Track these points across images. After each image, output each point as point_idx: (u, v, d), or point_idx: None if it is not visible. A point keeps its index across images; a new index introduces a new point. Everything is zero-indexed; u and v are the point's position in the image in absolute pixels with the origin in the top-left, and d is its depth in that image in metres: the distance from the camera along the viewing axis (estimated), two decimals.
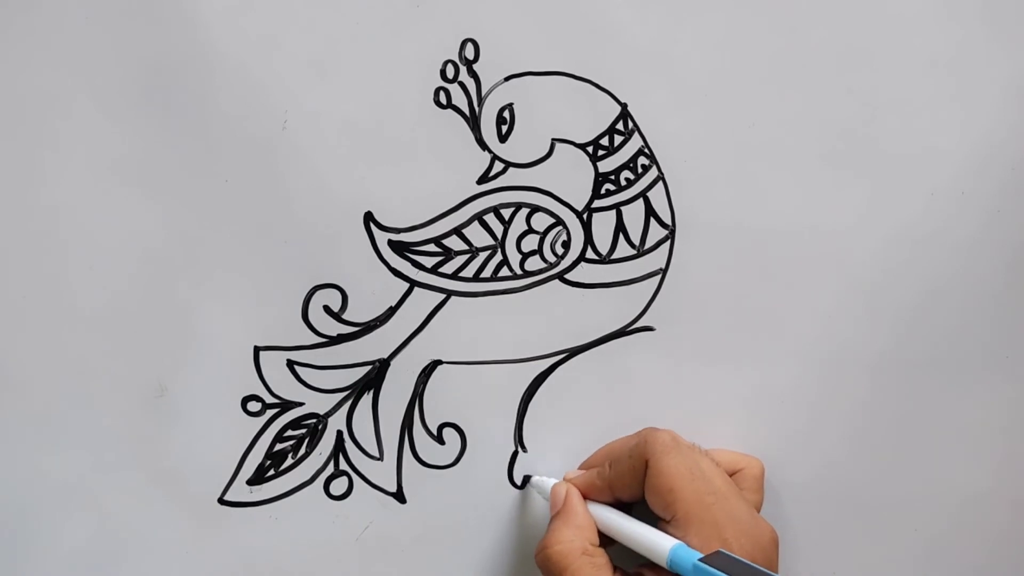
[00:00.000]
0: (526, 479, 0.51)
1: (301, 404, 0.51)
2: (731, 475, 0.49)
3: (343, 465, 0.51)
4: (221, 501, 0.51)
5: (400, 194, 0.50)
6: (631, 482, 0.47)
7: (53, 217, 0.49)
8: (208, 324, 0.50)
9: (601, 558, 0.46)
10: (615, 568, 0.46)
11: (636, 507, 0.48)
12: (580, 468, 0.51)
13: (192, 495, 0.50)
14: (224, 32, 0.49)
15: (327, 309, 0.51)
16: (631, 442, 0.48)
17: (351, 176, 0.50)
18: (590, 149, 0.51)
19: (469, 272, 0.51)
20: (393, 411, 0.51)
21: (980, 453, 0.52)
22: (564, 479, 0.50)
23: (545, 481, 0.50)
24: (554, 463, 0.52)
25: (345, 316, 0.51)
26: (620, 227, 0.51)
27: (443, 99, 0.50)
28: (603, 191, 0.51)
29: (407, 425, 0.51)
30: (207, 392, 0.50)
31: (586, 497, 0.49)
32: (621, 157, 0.51)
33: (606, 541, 0.48)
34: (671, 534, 0.45)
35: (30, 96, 0.49)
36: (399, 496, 0.51)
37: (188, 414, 0.50)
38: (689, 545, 0.44)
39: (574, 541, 0.46)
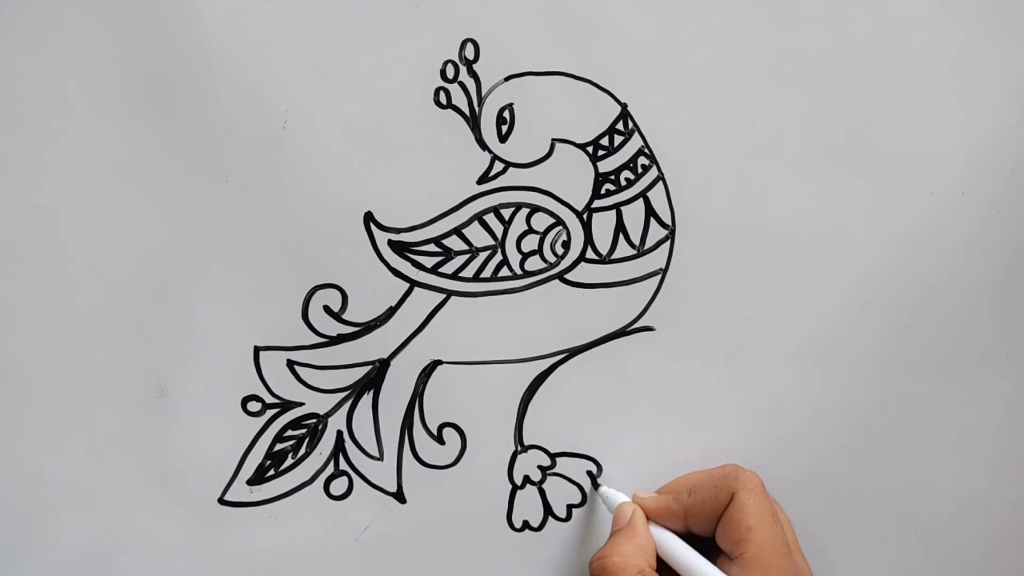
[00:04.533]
0: (596, 485, 0.51)
1: (301, 404, 0.51)
2: None
3: (343, 465, 0.51)
4: (221, 501, 0.51)
5: (400, 194, 0.50)
6: (709, 513, 0.47)
7: (53, 217, 0.49)
8: (208, 324, 0.50)
9: None
10: None
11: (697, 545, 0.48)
12: (658, 492, 0.51)
13: (192, 495, 0.51)
14: (224, 32, 0.49)
15: (327, 309, 0.51)
16: (716, 473, 0.48)
17: (351, 176, 0.50)
18: (590, 149, 0.51)
19: (469, 272, 0.51)
20: (393, 411, 0.51)
21: (979, 453, 0.52)
22: (634, 498, 0.50)
23: (613, 495, 0.50)
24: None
25: (345, 316, 0.51)
26: (620, 227, 0.51)
27: (443, 99, 0.50)
28: (603, 191, 0.51)
29: (407, 425, 0.51)
30: (207, 392, 0.50)
31: (656, 521, 0.49)
32: (621, 157, 0.51)
33: (662, 569, 0.47)
34: (732, 573, 0.45)
35: (30, 96, 0.49)
36: (399, 496, 0.51)
37: (188, 414, 0.50)
38: None
39: (632, 557, 0.46)
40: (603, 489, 0.51)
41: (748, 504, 0.46)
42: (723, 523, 0.47)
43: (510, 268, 0.51)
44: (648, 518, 0.49)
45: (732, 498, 0.47)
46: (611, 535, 0.49)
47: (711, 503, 0.47)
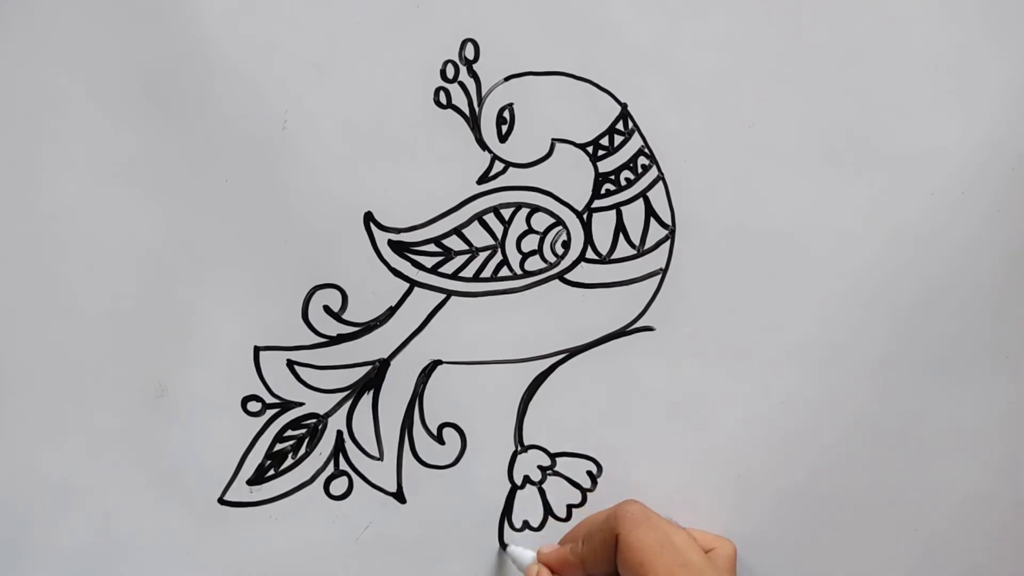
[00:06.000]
0: (504, 545, 0.52)
1: (301, 404, 0.51)
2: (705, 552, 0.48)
3: (343, 465, 0.51)
4: (221, 501, 0.51)
5: (400, 194, 0.50)
6: (603, 556, 0.47)
7: (53, 217, 0.49)
8: (208, 324, 0.50)
9: None
10: None
11: None
12: (560, 543, 0.51)
13: (192, 495, 0.50)
14: (224, 32, 0.49)
15: (327, 309, 0.51)
16: (602, 516, 0.49)
17: (351, 176, 0.50)
18: (590, 149, 0.51)
19: (469, 272, 0.51)
20: (393, 411, 0.51)
21: (979, 453, 0.52)
22: (537, 555, 0.50)
23: (521, 553, 0.51)
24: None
25: (345, 316, 0.51)
26: (620, 227, 0.51)
27: (443, 99, 0.50)
28: (603, 191, 0.51)
29: (407, 425, 0.51)
30: (207, 392, 0.50)
31: (559, 574, 0.49)
32: (621, 157, 0.51)
33: None
34: None
35: (30, 96, 0.49)
36: (399, 496, 0.51)
37: (188, 414, 0.50)
38: None
39: None
40: (511, 549, 0.51)
41: (634, 540, 0.46)
42: (620, 564, 0.46)
43: (510, 268, 0.51)
44: (552, 571, 0.49)
45: (618, 538, 0.46)
46: None
47: (602, 548, 0.47)
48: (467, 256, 0.51)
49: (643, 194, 0.51)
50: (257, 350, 0.50)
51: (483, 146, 0.51)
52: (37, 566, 0.50)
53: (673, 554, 0.46)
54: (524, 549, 0.51)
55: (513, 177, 0.51)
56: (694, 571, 0.45)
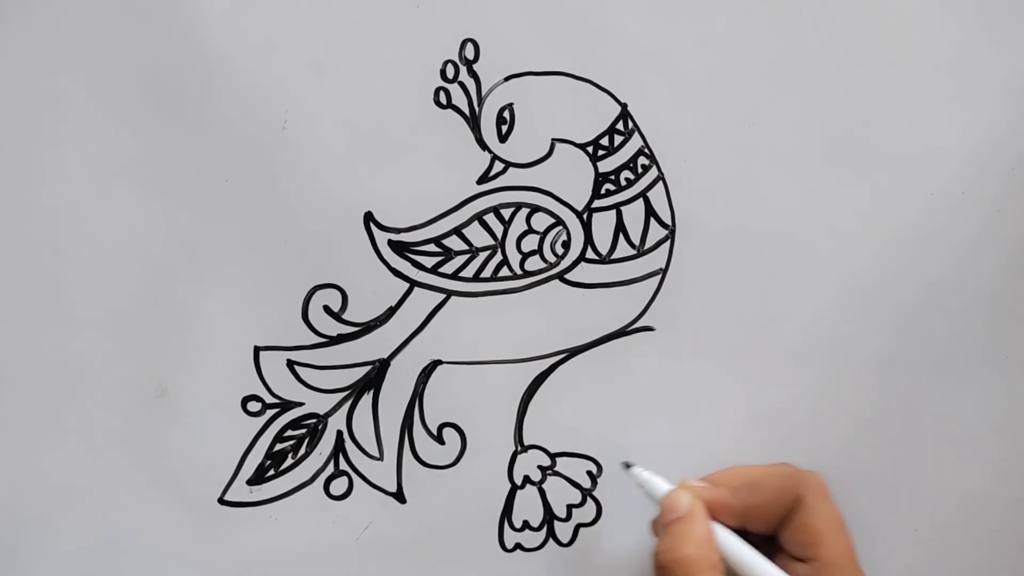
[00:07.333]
0: (628, 465, 0.49)
1: (301, 404, 0.51)
2: None
3: (343, 465, 0.51)
4: (221, 501, 0.51)
5: (400, 194, 0.50)
6: (772, 513, 0.46)
7: (53, 217, 0.49)
8: (208, 324, 0.50)
9: None
10: None
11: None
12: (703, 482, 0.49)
13: (192, 495, 0.51)
14: (224, 32, 0.49)
15: (327, 309, 0.51)
16: (777, 472, 0.47)
17: (351, 176, 0.50)
18: (590, 149, 0.51)
19: (469, 272, 0.51)
20: (393, 411, 0.51)
21: (979, 453, 0.52)
22: (681, 486, 0.47)
23: (657, 482, 0.48)
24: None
25: (345, 316, 0.51)
26: (620, 227, 0.51)
27: (443, 99, 0.50)
28: (603, 191, 0.51)
29: (407, 425, 0.51)
30: (207, 392, 0.50)
31: (710, 514, 0.46)
32: (621, 157, 0.51)
33: None
34: None
35: (30, 96, 0.49)
36: (399, 496, 0.51)
37: (188, 414, 0.50)
38: None
39: (702, 551, 0.44)
40: (640, 472, 0.48)
41: (819, 509, 0.45)
42: (790, 526, 0.45)
43: (510, 268, 0.51)
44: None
45: (799, 500, 0.45)
46: (669, 524, 0.45)
47: (776, 503, 0.45)
48: (467, 256, 0.51)
49: (643, 194, 0.51)
50: (257, 350, 0.50)
51: (483, 146, 0.51)
52: (37, 566, 0.50)
53: (849, 538, 0.45)
54: (655, 475, 0.48)
55: (513, 177, 0.51)
56: (855, 559, 0.45)
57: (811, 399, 0.52)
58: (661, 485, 0.47)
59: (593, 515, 0.52)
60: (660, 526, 0.46)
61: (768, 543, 0.47)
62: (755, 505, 0.46)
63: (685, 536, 0.44)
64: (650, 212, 0.51)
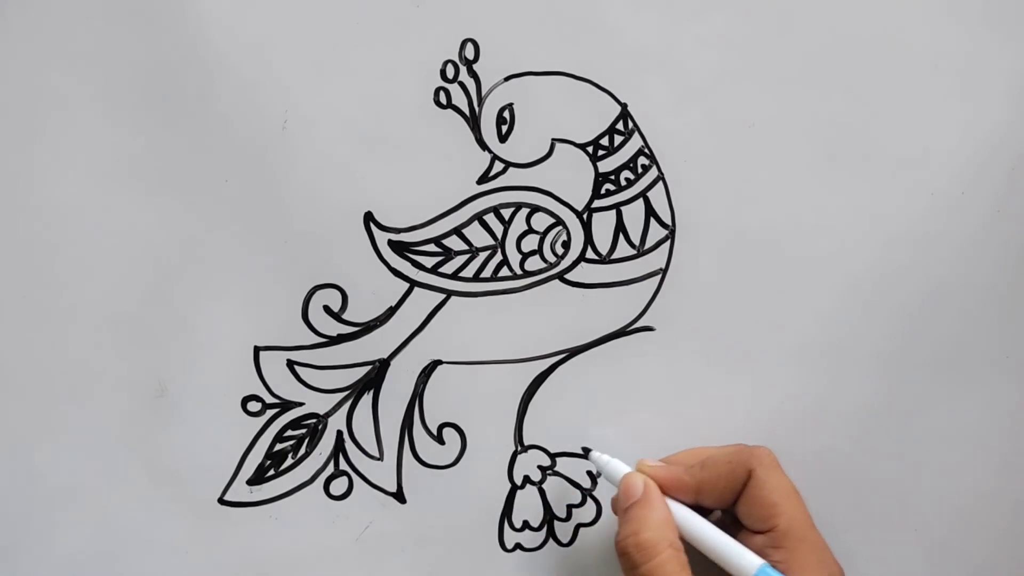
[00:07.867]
0: (587, 450, 0.50)
1: (301, 404, 0.51)
2: None
3: (343, 465, 0.51)
4: (221, 501, 0.51)
5: (400, 194, 0.50)
6: (724, 487, 0.47)
7: (53, 217, 0.49)
8: (208, 324, 0.50)
9: (684, 556, 0.45)
10: None
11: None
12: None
13: (192, 495, 0.51)
14: (224, 32, 0.49)
15: (327, 309, 0.51)
16: (727, 450, 0.48)
17: (351, 176, 0.50)
18: (590, 149, 0.51)
19: (469, 272, 0.51)
20: (393, 411, 0.51)
21: (980, 453, 0.52)
22: (638, 468, 0.48)
23: (615, 465, 0.48)
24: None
25: (345, 316, 0.51)
26: (620, 227, 0.51)
27: (443, 99, 0.50)
28: (603, 191, 0.51)
29: (407, 425, 0.51)
30: (207, 392, 0.50)
31: (665, 493, 0.47)
32: (621, 157, 0.51)
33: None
34: (759, 548, 0.45)
35: (30, 96, 0.49)
36: (399, 496, 0.51)
37: (188, 414, 0.50)
38: (780, 560, 0.44)
39: (660, 532, 0.45)
40: (598, 456, 0.49)
41: (770, 480, 0.46)
42: (745, 500, 0.46)
43: (510, 268, 0.51)
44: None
45: (751, 475, 0.46)
46: (627, 508, 0.46)
47: (727, 478, 0.47)
48: (467, 256, 0.51)
49: (643, 194, 0.51)
50: (257, 350, 0.50)
51: (483, 146, 0.51)
52: (37, 566, 0.50)
53: (803, 505, 0.46)
54: (612, 458, 0.48)
55: (513, 177, 0.51)
56: (812, 525, 0.46)
57: (811, 399, 0.52)
58: (619, 467, 0.48)
59: (593, 515, 0.52)
60: (620, 509, 0.47)
61: (730, 520, 0.48)
62: (708, 481, 0.47)
63: (643, 520, 0.45)
64: (650, 212, 0.51)
